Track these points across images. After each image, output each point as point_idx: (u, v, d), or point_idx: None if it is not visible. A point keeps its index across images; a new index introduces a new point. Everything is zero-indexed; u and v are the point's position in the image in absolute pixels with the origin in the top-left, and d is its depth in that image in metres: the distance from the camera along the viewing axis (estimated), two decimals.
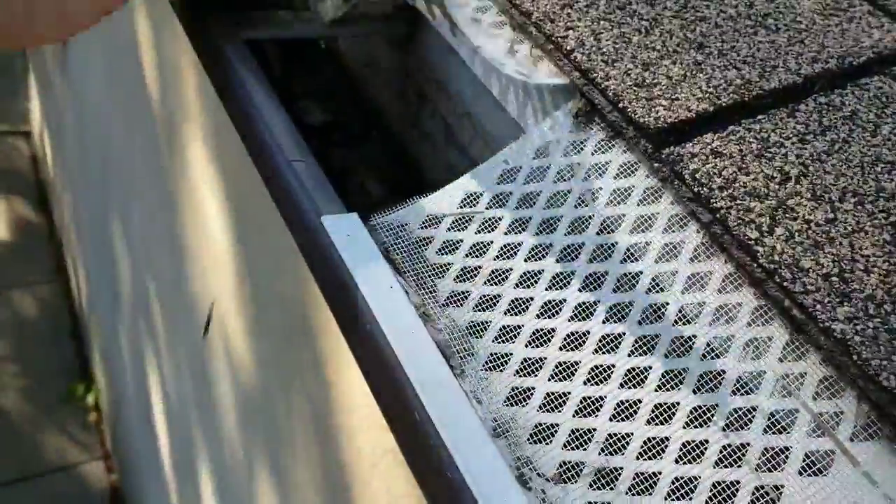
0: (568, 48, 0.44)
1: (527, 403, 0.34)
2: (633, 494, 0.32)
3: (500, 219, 0.42)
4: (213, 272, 1.62)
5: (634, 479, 0.32)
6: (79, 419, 3.36)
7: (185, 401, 1.91)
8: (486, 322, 0.38)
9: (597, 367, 0.35)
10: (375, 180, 0.59)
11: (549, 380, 0.35)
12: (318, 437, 1.10)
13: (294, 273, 1.06)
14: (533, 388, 0.35)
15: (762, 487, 0.30)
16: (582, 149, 0.42)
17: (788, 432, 0.31)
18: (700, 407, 0.33)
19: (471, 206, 0.43)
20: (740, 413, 0.32)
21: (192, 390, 1.84)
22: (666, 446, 0.32)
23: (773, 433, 0.31)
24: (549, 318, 0.37)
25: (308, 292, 0.96)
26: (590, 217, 0.40)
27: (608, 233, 0.39)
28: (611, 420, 0.33)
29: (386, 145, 0.64)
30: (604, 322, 0.37)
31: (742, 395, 0.33)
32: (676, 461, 0.32)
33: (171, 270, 1.97)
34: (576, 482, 0.32)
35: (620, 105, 0.41)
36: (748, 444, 0.31)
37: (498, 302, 0.38)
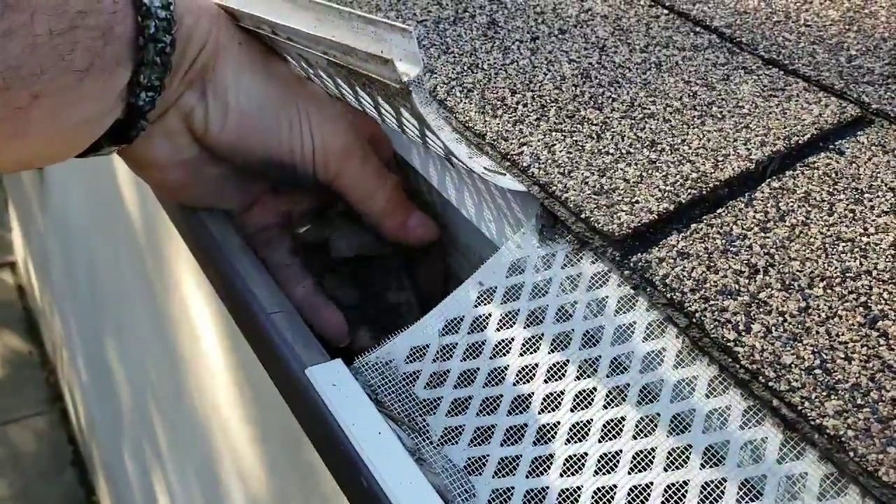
0: (524, 164, 0.45)
1: None
2: None
3: (483, 343, 0.42)
4: (211, 381, 1.60)
5: None
6: None
7: None
8: (485, 457, 0.38)
9: (600, 490, 0.35)
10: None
11: None
12: None
13: None
14: None
15: None
16: (552, 263, 0.43)
17: None
18: None
19: (453, 334, 0.43)
20: None
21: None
22: None
23: None
24: (546, 443, 0.37)
25: None
26: (570, 331, 0.40)
27: (591, 346, 0.40)
28: None
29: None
30: (600, 441, 0.37)
31: (749, 501, 0.33)
32: None
33: (170, 384, 1.95)
34: None
35: (583, 215, 0.42)
36: None
37: (493, 433, 0.38)
